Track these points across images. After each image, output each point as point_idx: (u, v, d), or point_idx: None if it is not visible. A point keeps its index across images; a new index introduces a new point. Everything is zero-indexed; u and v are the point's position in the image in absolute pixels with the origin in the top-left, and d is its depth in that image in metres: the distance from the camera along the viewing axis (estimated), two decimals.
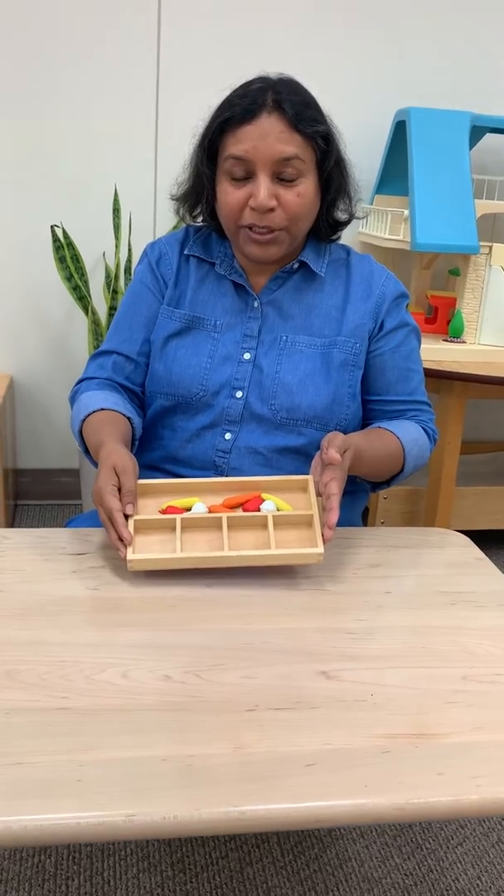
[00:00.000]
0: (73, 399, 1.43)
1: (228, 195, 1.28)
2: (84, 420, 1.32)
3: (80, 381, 1.44)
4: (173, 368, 1.37)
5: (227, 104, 1.27)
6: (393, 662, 0.98)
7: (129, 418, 1.33)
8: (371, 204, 2.72)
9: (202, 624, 1.04)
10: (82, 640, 0.99)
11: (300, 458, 1.36)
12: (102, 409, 1.32)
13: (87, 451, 1.33)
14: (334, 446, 1.18)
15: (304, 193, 1.28)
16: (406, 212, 2.45)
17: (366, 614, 1.09)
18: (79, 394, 1.41)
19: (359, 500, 1.47)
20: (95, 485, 1.17)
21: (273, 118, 1.23)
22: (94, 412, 1.32)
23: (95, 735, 0.83)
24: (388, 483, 1.43)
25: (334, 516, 1.13)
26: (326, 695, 0.91)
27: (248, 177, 1.26)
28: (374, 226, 2.64)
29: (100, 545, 1.22)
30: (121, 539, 1.13)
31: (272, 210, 1.27)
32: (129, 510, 1.16)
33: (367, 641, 1.02)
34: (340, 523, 1.27)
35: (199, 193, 1.36)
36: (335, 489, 1.16)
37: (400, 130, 2.58)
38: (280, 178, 1.26)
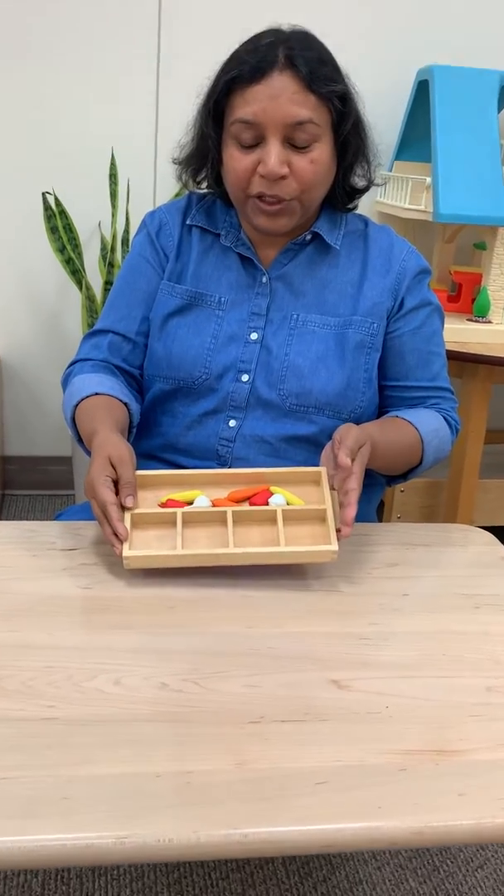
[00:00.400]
0: (65, 382, 1.42)
1: (235, 161, 1.27)
2: (76, 406, 1.32)
3: (72, 363, 1.43)
4: (173, 349, 1.36)
5: (235, 60, 1.26)
6: (410, 671, 0.98)
7: (125, 404, 1.32)
8: (390, 171, 2.70)
9: (202, 627, 1.03)
10: (72, 643, 0.98)
11: (311, 447, 1.35)
12: (97, 394, 1.31)
13: (80, 439, 1.32)
14: (347, 445, 1.17)
15: (318, 160, 1.26)
16: (428, 179, 2.43)
17: (381, 618, 1.08)
18: (71, 377, 1.40)
19: (374, 493, 1.46)
20: (88, 476, 1.16)
21: (285, 77, 1.22)
22: (87, 397, 1.31)
23: (84, 748, 0.82)
24: (404, 477, 1.43)
25: (352, 512, 1.13)
26: (337, 706, 0.91)
27: (258, 142, 1.25)
28: (392, 194, 2.62)
29: (93, 540, 1.21)
30: (116, 535, 1.12)
31: (283, 178, 1.25)
32: (129, 503, 1.15)
33: (383, 648, 1.02)
34: (355, 519, 1.26)
35: (203, 157, 1.35)
36: (354, 484, 1.15)
37: (422, 91, 2.56)
38: (292, 144, 1.24)
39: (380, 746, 0.85)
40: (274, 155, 1.24)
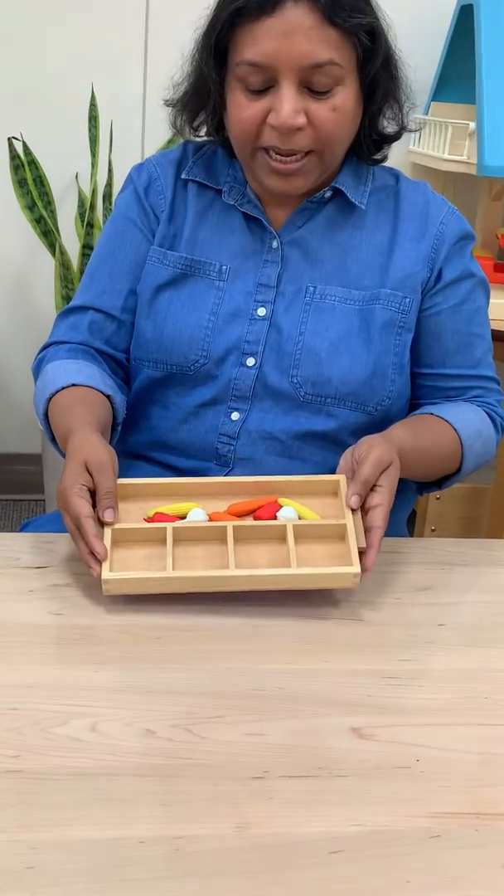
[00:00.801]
0: (36, 370, 1.42)
1: (241, 109, 1.27)
2: (50, 399, 1.31)
3: (45, 347, 1.43)
4: (165, 328, 1.35)
5: None
6: (446, 718, 0.98)
7: (108, 396, 1.32)
8: (426, 114, 2.70)
9: (196, 662, 1.03)
10: (40, 680, 0.98)
11: (329, 446, 1.35)
12: (74, 385, 1.31)
13: (53, 439, 1.32)
14: (363, 477, 1.17)
15: (340, 107, 1.25)
16: (472, 125, 2.42)
17: (411, 653, 1.08)
18: (44, 363, 1.40)
19: (404, 502, 1.45)
20: (60, 485, 1.16)
21: (300, 8, 1.21)
22: (62, 388, 1.31)
23: (54, 808, 0.82)
24: (439, 484, 1.43)
25: (373, 554, 1.15)
26: (358, 759, 0.91)
27: (269, 86, 1.24)
28: (428, 142, 2.62)
29: (66, 556, 1.21)
30: (93, 553, 1.12)
31: (299, 130, 1.25)
32: (108, 516, 1.15)
33: (413, 689, 1.01)
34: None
35: (202, 100, 1.35)
36: (379, 520, 1.16)
37: (465, 18, 2.56)
38: (310, 88, 1.24)
39: (408, 808, 0.85)
40: (288, 103, 1.23)
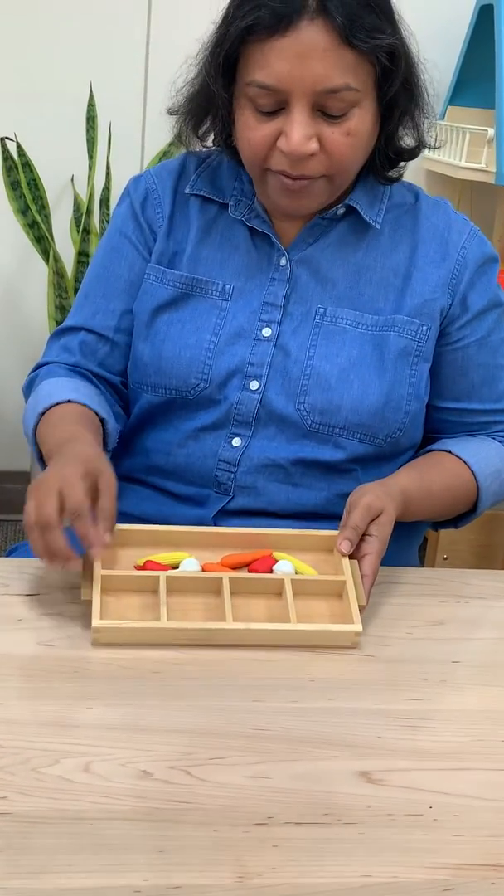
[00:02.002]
0: (27, 389, 1.42)
1: (251, 130, 1.26)
2: (43, 414, 1.31)
3: (37, 367, 1.43)
4: (164, 351, 1.35)
5: (251, 0, 1.23)
6: (461, 762, 0.97)
7: (102, 420, 1.32)
8: (442, 119, 2.71)
9: (195, 699, 1.03)
10: (29, 716, 0.98)
11: (335, 476, 1.35)
12: (70, 402, 1.31)
13: (41, 458, 1.32)
14: (352, 523, 1.21)
15: (355, 130, 1.24)
16: (491, 131, 2.43)
17: (423, 692, 1.08)
18: (37, 381, 1.39)
19: (414, 531, 1.45)
20: (49, 474, 1.14)
21: (316, 28, 1.19)
22: (57, 404, 1.30)
23: (43, 853, 0.82)
24: (454, 523, 1.44)
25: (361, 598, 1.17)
26: (367, 805, 0.90)
27: (280, 107, 1.23)
28: (444, 149, 2.63)
29: (58, 583, 1.21)
30: (84, 547, 1.11)
31: (311, 155, 1.24)
32: (108, 539, 1.14)
33: (426, 731, 1.01)
34: (390, 562, 1.27)
35: (207, 112, 1.34)
36: (368, 569, 1.19)
37: (484, 19, 2.57)
38: (323, 111, 1.23)
39: (421, 859, 0.85)
40: (299, 128, 1.21)
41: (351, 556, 1.21)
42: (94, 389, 1.38)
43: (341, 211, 1.35)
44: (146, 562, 1.21)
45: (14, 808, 0.86)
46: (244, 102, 1.25)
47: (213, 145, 1.40)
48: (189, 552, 1.23)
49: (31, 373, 1.44)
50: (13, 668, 1.05)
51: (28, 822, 0.85)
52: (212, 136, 1.38)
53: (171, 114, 1.38)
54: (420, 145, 1.36)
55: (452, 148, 2.58)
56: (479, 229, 1.41)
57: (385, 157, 1.35)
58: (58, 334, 1.44)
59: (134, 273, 1.40)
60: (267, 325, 1.35)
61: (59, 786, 0.89)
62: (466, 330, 1.37)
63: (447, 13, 2.70)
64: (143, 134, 2.71)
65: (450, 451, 1.38)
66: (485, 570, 1.42)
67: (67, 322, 1.44)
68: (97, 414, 1.32)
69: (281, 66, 1.19)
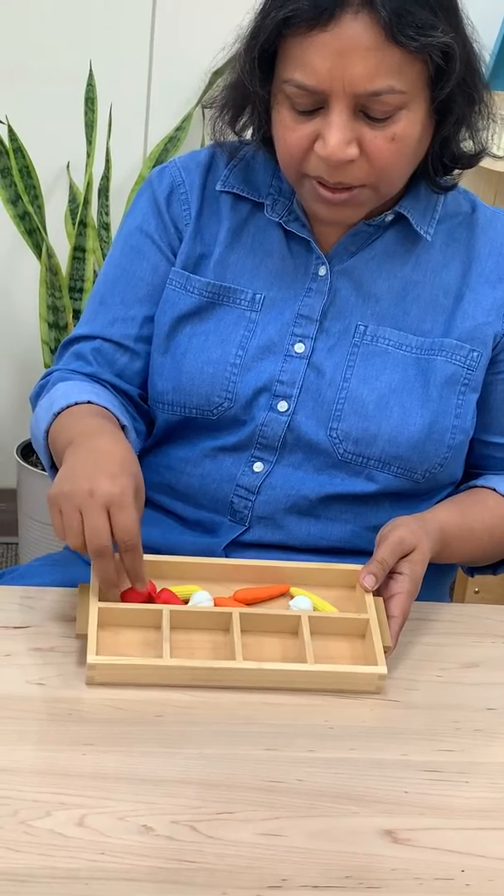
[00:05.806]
0: (36, 397, 1.41)
1: (287, 130, 1.26)
2: (57, 415, 1.30)
3: (48, 374, 1.42)
4: (184, 365, 1.35)
5: None
6: (497, 821, 0.97)
7: (123, 427, 1.31)
8: None
9: (203, 746, 1.03)
10: (18, 763, 0.98)
11: (363, 507, 1.35)
12: (89, 403, 1.30)
13: (52, 465, 1.32)
14: (380, 556, 1.21)
15: (401, 135, 1.23)
16: None
17: (455, 742, 1.08)
18: (49, 386, 1.38)
19: (444, 568, 1.45)
20: (74, 470, 1.15)
21: (360, 22, 1.18)
22: (75, 404, 1.30)
23: None
24: (493, 569, 1.44)
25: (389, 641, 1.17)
26: (393, 867, 0.91)
27: (319, 106, 1.23)
28: None
29: (51, 614, 1.21)
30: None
31: (350, 161, 1.24)
32: (140, 587, 1.17)
33: (458, 785, 1.01)
34: (417, 597, 1.26)
35: (244, 105, 1.34)
36: (396, 610, 1.19)
37: None
38: (366, 113, 1.23)
39: None
40: (337, 132, 1.21)
41: (376, 595, 1.21)
42: (114, 398, 1.36)
43: (390, 218, 1.34)
44: (162, 589, 1.21)
45: (1, 865, 0.86)
46: (282, 99, 1.25)
47: (252, 140, 1.38)
48: (199, 584, 1.24)
49: (40, 380, 1.42)
50: (0, 708, 1.05)
51: (17, 880, 0.85)
52: (250, 131, 1.37)
53: (206, 108, 1.38)
54: (482, 151, 1.35)
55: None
56: None
57: (439, 164, 1.34)
58: (68, 344, 1.43)
59: (157, 276, 1.39)
60: (300, 341, 1.34)
61: (51, 841, 0.89)
62: None
63: None
64: (146, 117, 2.72)
65: (495, 490, 1.38)
66: None
67: (80, 330, 1.42)
68: (118, 420, 1.31)
69: (321, 64, 1.19)
